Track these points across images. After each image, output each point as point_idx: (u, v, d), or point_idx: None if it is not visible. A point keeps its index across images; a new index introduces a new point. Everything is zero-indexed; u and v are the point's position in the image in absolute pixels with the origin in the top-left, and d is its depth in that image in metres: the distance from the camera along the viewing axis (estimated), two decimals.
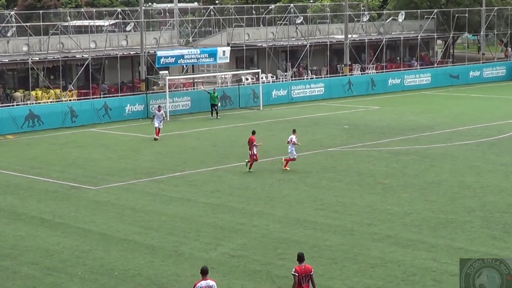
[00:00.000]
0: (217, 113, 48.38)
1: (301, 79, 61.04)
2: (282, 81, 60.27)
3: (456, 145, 37.40)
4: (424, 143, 38.15)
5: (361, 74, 63.93)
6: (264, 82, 56.37)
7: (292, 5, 68.74)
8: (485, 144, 37.22)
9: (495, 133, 40.62)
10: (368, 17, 70.78)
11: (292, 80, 60.14)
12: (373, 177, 30.58)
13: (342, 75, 61.54)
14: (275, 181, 30.34)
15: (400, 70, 65.74)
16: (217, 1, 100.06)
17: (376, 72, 64.45)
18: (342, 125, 44.57)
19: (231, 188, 29.41)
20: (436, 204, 26.33)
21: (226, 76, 58.89)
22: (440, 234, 22.94)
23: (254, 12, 72.82)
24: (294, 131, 32.74)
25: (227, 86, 56.34)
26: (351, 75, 62.04)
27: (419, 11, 73.02)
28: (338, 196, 27.81)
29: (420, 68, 66.95)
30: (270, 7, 72.60)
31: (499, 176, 30.50)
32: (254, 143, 31.93)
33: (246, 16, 65.19)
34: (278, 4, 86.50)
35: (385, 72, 64.87)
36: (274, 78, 61.01)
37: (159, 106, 43.16)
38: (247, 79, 58.30)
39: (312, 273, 16.16)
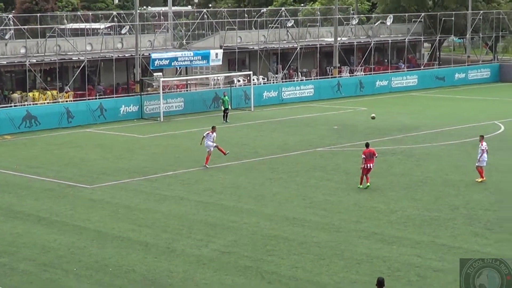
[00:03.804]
0: (226, 116, 47.47)
1: (291, 81, 61.28)
2: (273, 83, 60.66)
3: (441, 145, 37.80)
4: (410, 143, 38.44)
5: (350, 76, 64.47)
6: (255, 84, 56.67)
7: (283, 8, 69.14)
8: (469, 144, 37.34)
9: (480, 133, 40.97)
10: (357, 21, 71.22)
11: (282, 82, 60.44)
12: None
13: (331, 77, 61.93)
14: (266, 180, 30.63)
15: (388, 72, 66.16)
16: (210, 5, 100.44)
17: (364, 74, 64.90)
18: (331, 125, 44.90)
19: (222, 186, 29.64)
20: (421, 202, 26.75)
21: (218, 78, 59.33)
22: (424, 231, 23.32)
23: (246, 15, 73.25)
24: (482, 137, 30.67)
25: (220, 87, 56.81)
26: (340, 77, 62.43)
27: (407, 14, 73.51)
28: (326, 194, 28.17)
29: (407, 70, 67.46)
30: (262, 11, 72.93)
31: None
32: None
33: (239, 20, 65.50)
34: (269, 7, 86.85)
35: (373, 74, 65.24)
36: (265, 80, 61.28)
37: (213, 127, 34.26)
38: (239, 81, 58.71)
39: None
